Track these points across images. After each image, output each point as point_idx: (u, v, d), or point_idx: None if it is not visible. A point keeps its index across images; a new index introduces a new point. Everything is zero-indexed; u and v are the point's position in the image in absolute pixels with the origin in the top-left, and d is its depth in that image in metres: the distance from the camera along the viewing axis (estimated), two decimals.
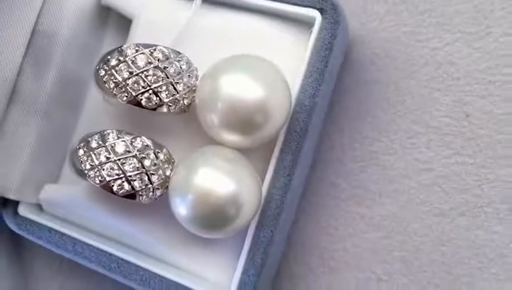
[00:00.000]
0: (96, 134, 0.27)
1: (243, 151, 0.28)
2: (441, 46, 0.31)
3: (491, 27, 0.31)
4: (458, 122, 0.31)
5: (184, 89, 0.27)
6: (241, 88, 0.26)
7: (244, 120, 0.26)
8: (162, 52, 0.27)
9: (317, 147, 0.32)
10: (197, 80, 0.28)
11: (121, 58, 0.27)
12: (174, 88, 0.27)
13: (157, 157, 0.27)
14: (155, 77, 0.26)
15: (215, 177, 0.26)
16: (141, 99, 0.27)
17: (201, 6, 0.30)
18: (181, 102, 0.27)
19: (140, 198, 0.27)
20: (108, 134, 0.27)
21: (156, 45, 0.27)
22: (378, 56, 0.32)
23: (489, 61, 0.31)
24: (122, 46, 0.27)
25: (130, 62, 0.27)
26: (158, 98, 0.27)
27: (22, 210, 0.31)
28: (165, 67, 0.27)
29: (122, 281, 0.29)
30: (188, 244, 0.29)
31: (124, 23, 0.32)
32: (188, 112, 0.28)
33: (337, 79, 0.32)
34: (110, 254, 0.30)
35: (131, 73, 0.27)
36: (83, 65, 0.32)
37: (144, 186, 0.27)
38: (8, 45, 0.29)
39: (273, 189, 0.28)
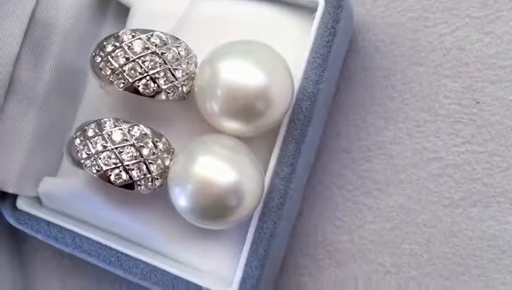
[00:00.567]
0: (93, 122, 0.27)
1: (244, 140, 0.27)
2: (449, 32, 0.30)
3: (501, 11, 0.30)
4: (468, 109, 0.30)
5: (183, 76, 0.26)
6: (241, 74, 0.25)
7: (245, 107, 0.25)
8: (160, 38, 0.26)
9: (322, 136, 0.31)
10: (196, 67, 0.27)
11: (117, 44, 0.26)
12: (173, 74, 0.26)
13: (155, 147, 0.26)
14: (152, 63, 0.26)
15: (216, 166, 0.26)
16: (138, 86, 0.26)
17: None
18: (180, 89, 0.27)
19: (139, 188, 0.26)
20: (105, 122, 0.27)
21: (153, 31, 0.26)
22: (384, 43, 0.31)
23: (499, 46, 0.30)
24: (118, 32, 0.27)
25: (126, 48, 0.26)
26: (156, 84, 0.26)
27: (21, 204, 0.30)
28: (162, 53, 0.26)
29: (122, 275, 0.29)
30: (188, 237, 0.29)
31: (123, 12, 0.31)
32: (187, 99, 0.27)
33: (342, 67, 0.31)
34: (110, 248, 0.29)
35: (127, 59, 0.26)
36: (82, 55, 0.31)
37: (142, 176, 0.26)
38: (4, 35, 0.29)
39: (276, 179, 0.27)
